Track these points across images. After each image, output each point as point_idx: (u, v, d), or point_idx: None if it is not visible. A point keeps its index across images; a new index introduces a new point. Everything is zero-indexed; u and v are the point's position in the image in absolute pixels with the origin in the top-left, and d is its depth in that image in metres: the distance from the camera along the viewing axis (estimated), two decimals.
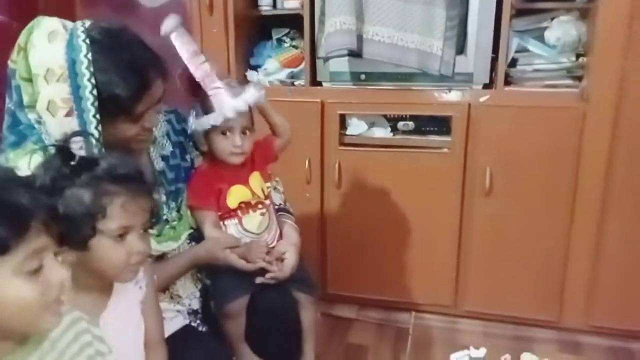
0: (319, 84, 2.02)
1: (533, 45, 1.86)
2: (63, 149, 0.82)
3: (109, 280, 0.92)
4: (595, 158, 1.78)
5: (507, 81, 1.86)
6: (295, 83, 2.05)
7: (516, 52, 1.87)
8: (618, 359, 1.86)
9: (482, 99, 1.86)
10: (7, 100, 1.10)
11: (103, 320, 0.89)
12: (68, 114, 1.01)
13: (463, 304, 2.05)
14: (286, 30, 2.10)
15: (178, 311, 1.20)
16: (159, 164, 1.28)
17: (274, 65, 2.05)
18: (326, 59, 1.89)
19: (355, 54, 1.82)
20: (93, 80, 0.99)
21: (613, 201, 1.80)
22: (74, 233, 0.76)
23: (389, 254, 2.06)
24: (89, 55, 1.00)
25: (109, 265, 0.87)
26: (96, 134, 1.01)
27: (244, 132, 1.29)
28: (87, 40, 1.00)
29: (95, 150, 0.97)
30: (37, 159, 1.00)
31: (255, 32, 2.15)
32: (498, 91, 1.85)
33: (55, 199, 0.74)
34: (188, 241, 1.29)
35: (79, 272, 0.83)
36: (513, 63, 1.87)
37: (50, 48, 1.01)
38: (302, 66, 2.03)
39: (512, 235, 1.92)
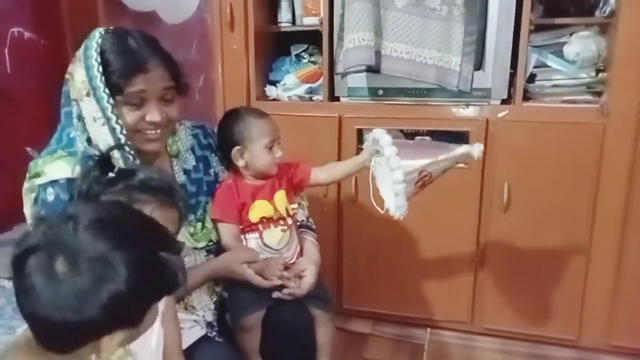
0: (337, 99, 2.03)
1: (552, 61, 1.85)
2: (104, 160, 0.85)
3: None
4: (616, 173, 1.76)
5: (526, 97, 1.86)
6: (314, 98, 2.07)
7: (535, 67, 1.86)
8: None
9: (500, 115, 1.86)
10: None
11: None
12: (88, 94, 1.12)
13: (480, 321, 2.03)
14: (305, 46, 2.13)
15: (195, 321, 1.21)
16: (181, 177, 1.31)
17: (293, 81, 2.07)
18: (344, 75, 1.91)
19: (373, 69, 1.84)
20: (101, 68, 1.10)
21: (634, 217, 1.77)
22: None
23: (405, 269, 2.05)
24: (99, 41, 1.13)
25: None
26: (114, 118, 1.11)
27: (279, 142, 1.36)
28: (102, 31, 1.14)
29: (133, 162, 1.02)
30: (64, 165, 1.08)
31: (275, 48, 2.18)
32: (516, 106, 1.84)
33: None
34: (205, 254, 1.31)
35: None
36: (531, 79, 1.87)
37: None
38: (320, 81, 2.05)
39: (530, 251, 1.90)
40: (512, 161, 1.86)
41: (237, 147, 1.34)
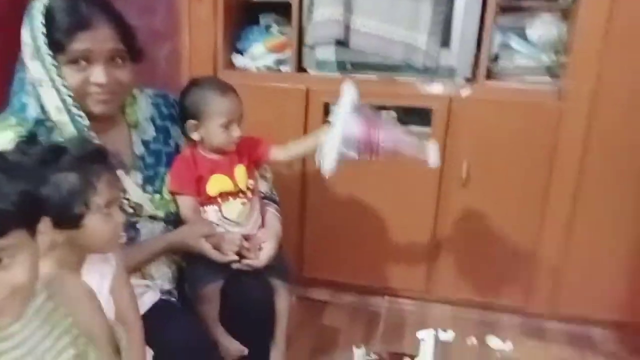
0: (305, 71, 2.04)
1: (515, 42, 1.89)
2: (32, 139, 0.86)
3: (98, 252, 0.97)
4: (569, 154, 1.84)
5: (489, 76, 1.91)
6: (282, 69, 2.07)
7: (498, 47, 1.91)
8: (578, 343, 1.97)
9: (463, 93, 1.90)
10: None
11: None
12: (33, 56, 1.12)
13: (435, 290, 2.13)
14: (274, 17, 2.11)
15: (147, 286, 1.24)
16: (139, 149, 1.32)
17: (261, 50, 2.06)
18: (313, 47, 1.91)
19: (342, 43, 1.85)
20: (44, 29, 1.10)
21: (584, 196, 1.87)
22: (67, 214, 0.83)
23: (365, 239, 2.12)
24: (45, 1, 1.11)
25: (100, 239, 0.93)
26: (58, 80, 1.12)
27: (239, 123, 1.35)
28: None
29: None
30: (10, 135, 1.09)
31: (244, 17, 2.15)
32: (479, 85, 1.89)
33: (41, 186, 0.78)
34: (164, 224, 1.33)
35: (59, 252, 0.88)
36: (495, 59, 1.91)
37: None
38: (288, 53, 2.05)
39: (485, 225, 1.99)
40: (473, 138, 1.92)
41: (192, 121, 1.33)
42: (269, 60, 2.07)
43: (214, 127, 1.32)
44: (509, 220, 1.97)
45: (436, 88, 1.93)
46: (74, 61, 1.12)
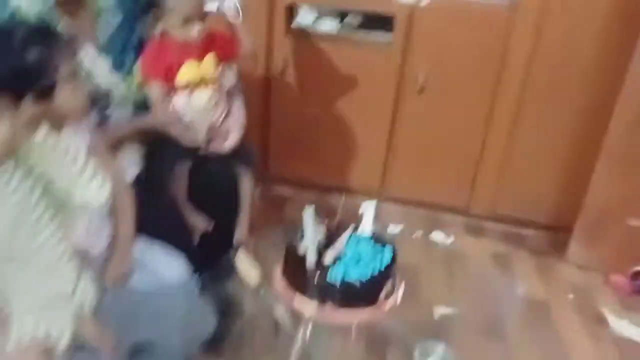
0: None
1: None
2: None
3: (72, 119, 1.04)
4: (516, 63, 1.96)
5: None
6: None
7: None
8: (511, 241, 2.20)
9: (423, 2, 1.95)
10: None
11: None
12: None
13: (389, 190, 2.30)
14: None
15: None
16: (105, 35, 1.34)
17: None
18: None
19: None
20: None
21: (527, 105, 2.01)
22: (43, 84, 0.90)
23: (326, 140, 2.24)
24: None
25: (72, 107, 1.00)
26: None
27: (201, 19, 1.36)
28: None
29: None
30: None
31: None
32: None
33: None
34: (134, 108, 1.39)
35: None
36: None
37: None
38: None
39: (437, 130, 2.13)
40: (430, 48, 2.00)
41: (154, 9, 1.36)
42: None
43: (174, 21, 1.35)
44: (459, 125, 2.10)
45: None
46: None
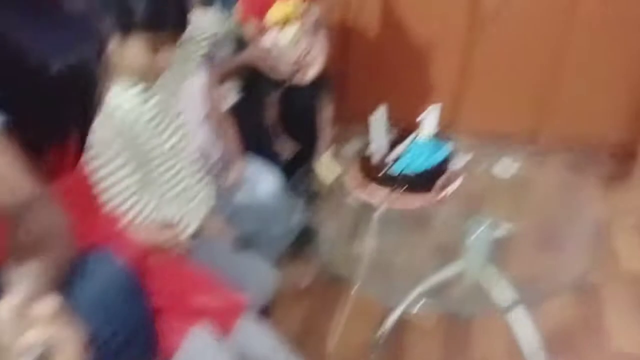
0: None
1: None
2: None
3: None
4: None
5: None
6: None
7: None
8: (577, 168, 2.25)
9: None
10: None
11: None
12: None
13: (460, 121, 2.40)
14: None
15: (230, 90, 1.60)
16: None
17: None
18: None
19: None
20: None
21: (599, 30, 2.04)
22: None
23: (403, 74, 2.37)
24: None
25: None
26: None
27: None
28: None
29: None
30: None
31: None
32: None
33: None
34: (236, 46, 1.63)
35: None
36: None
37: None
38: None
39: (509, 58, 2.21)
40: None
41: None
42: None
43: None
44: (531, 53, 2.17)
45: None
46: None
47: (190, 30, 1.08)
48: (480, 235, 1.13)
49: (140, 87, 1.06)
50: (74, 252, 0.76)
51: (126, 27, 0.96)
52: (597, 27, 2.04)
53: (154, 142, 1.10)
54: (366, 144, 1.33)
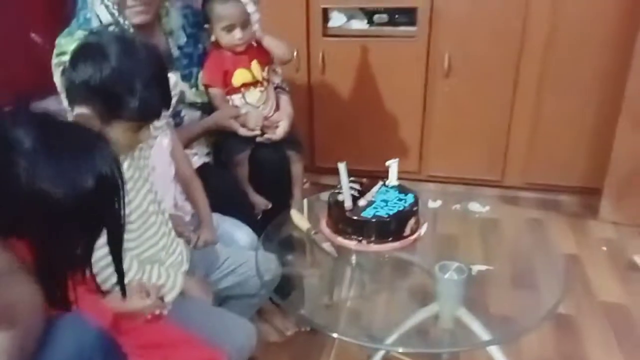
0: None
1: None
2: None
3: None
4: (536, 39, 2.14)
5: None
6: None
7: None
8: (547, 207, 2.35)
9: None
10: None
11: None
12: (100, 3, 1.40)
13: (426, 170, 2.50)
14: None
15: (195, 154, 1.63)
16: (175, 52, 1.64)
17: None
18: None
19: None
20: None
21: (549, 75, 2.17)
22: None
23: (366, 129, 2.47)
24: None
25: None
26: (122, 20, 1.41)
27: (244, 27, 1.63)
28: None
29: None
30: None
31: None
32: None
33: None
34: (199, 111, 1.69)
35: None
36: None
37: None
38: None
39: (466, 109, 2.32)
40: (452, 33, 2.21)
41: (206, 25, 1.65)
42: None
43: (218, 30, 1.63)
44: (486, 103, 2.29)
45: None
46: None
47: None
48: (450, 278, 1.15)
49: None
50: (44, 323, 0.75)
51: (113, 118, 0.99)
52: (547, 73, 2.18)
53: (132, 205, 1.11)
54: (336, 195, 1.37)
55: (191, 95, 1.66)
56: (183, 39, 1.66)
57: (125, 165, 1.09)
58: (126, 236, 1.06)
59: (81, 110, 0.99)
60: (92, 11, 1.47)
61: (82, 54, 0.99)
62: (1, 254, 0.72)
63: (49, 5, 2.01)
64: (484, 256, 2.03)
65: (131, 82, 0.97)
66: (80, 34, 1.40)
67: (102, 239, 0.96)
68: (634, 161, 2.06)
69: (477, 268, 1.92)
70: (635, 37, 1.92)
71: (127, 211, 1.04)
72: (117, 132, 1.00)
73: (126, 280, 1.02)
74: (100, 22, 1.46)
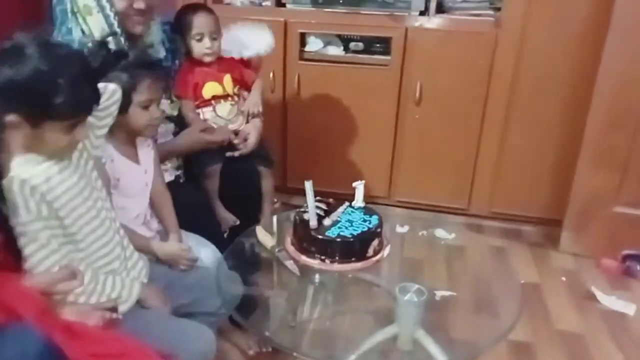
0: (283, 5, 2.36)
1: None
2: (104, 44, 1.18)
3: (138, 135, 1.35)
4: (503, 75, 2.22)
5: (440, 10, 2.25)
6: (263, 4, 2.39)
7: None
8: (509, 236, 2.40)
9: (417, 24, 2.25)
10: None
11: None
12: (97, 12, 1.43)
13: (395, 195, 2.54)
14: None
15: (165, 170, 1.62)
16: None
17: None
18: None
19: None
20: None
21: (516, 109, 2.25)
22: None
23: (338, 153, 2.50)
24: None
25: (138, 125, 1.31)
26: (107, 6, 1.44)
27: (213, 38, 1.67)
28: None
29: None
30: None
31: None
32: (431, 17, 2.24)
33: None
34: (173, 124, 1.70)
35: (119, 131, 1.26)
36: None
37: None
38: None
39: (435, 138, 2.38)
40: (425, 64, 2.28)
41: (179, 36, 1.69)
42: None
43: (189, 40, 1.68)
44: (454, 133, 2.35)
45: (394, 20, 2.26)
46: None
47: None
48: (409, 299, 1.16)
49: (53, 160, 1.06)
50: None
51: (43, 119, 0.97)
52: (513, 107, 2.26)
53: (76, 213, 1.09)
54: (302, 213, 1.38)
55: (167, 108, 1.67)
56: (162, 53, 1.68)
57: (67, 172, 1.07)
58: (74, 245, 1.08)
59: (9, 117, 0.97)
60: (74, 23, 1.46)
61: (1, 58, 0.97)
62: None
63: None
64: (447, 281, 2.07)
65: (54, 79, 0.95)
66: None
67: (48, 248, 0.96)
68: (592, 195, 2.14)
69: (440, 293, 1.96)
70: (594, 77, 2.01)
71: (71, 219, 1.06)
72: (51, 135, 0.99)
73: (81, 288, 1.02)
74: (83, 32, 1.46)
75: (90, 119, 1.07)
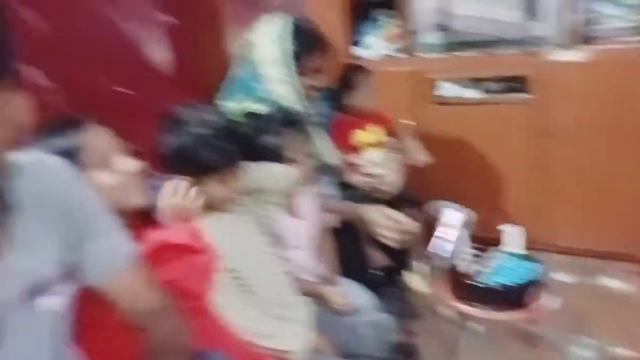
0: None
1: (604, 6, 2.09)
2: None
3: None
4: None
5: (580, 41, 2.13)
6: (394, 55, 2.46)
7: (589, 12, 2.11)
8: None
9: (554, 58, 2.14)
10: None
11: None
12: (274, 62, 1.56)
13: (554, 240, 2.32)
14: (383, 10, 2.49)
15: None
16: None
17: (375, 41, 2.46)
18: (419, 33, 2.28)
19: (444, 27, 2.20)
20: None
21: None
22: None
23: (480, 198, 2.38)
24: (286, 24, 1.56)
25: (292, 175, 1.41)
26: (298, 84, 1.57)
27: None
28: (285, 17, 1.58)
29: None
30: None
31: (356, 13, 2.55)
32: (571, 50, 2.12)
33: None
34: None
35: None
36: (587, 23, 2.12)
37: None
38: (399, 40, 2.42)
39: (592, 176, 2.18)
40: (568, 100, 2.14)
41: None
42: (384, 48, 2.46)
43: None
44: (613, 170, 2.14)
45: (530, 57, 2.18)
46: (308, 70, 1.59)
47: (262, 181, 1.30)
48: (582, 355, 1.06)
49: (225, 215, 1.23)
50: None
51: (200, 175, 1.18)
52: None
53: (247, 263, 1.21)
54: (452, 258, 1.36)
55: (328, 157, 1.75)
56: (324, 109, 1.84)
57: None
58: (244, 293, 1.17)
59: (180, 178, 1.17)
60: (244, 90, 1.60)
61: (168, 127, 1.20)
62: (156, 291, 0.85)
63: None
64: (620, 337, 1.82)
65: (202, 141, 1.16)
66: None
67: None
68: None
69: (618, 351, 1.72)
70: None
71: (243, 267, 1.19)
72: (211, 188, 1.18)
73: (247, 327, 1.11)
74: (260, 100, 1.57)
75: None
